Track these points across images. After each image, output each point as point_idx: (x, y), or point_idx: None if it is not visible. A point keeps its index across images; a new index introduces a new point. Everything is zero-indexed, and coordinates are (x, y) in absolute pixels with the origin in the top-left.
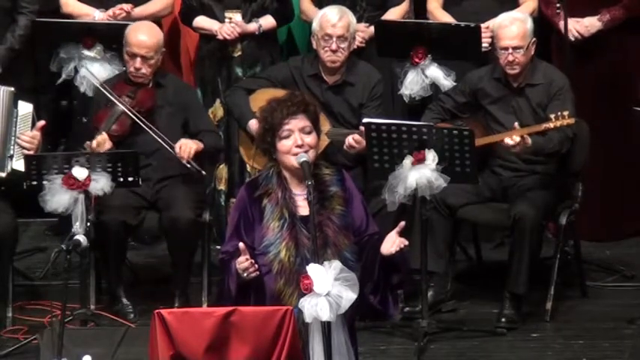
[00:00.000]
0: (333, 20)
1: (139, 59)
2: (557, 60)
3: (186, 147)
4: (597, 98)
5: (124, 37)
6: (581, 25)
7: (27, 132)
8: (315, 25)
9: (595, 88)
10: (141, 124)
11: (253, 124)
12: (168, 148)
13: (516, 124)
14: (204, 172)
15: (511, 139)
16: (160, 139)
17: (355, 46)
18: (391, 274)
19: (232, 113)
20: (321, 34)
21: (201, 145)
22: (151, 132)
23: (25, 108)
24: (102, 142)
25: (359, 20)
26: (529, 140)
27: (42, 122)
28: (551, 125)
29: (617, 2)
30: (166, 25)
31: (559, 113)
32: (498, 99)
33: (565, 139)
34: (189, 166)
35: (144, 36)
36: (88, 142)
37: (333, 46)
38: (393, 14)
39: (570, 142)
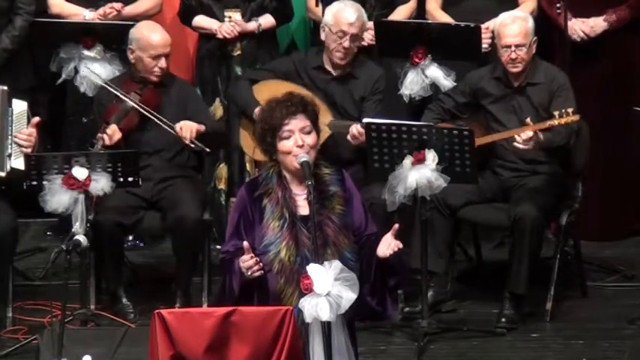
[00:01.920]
0: (350, 19)
1: (163, 59)
2: (558, 60)
3: (187, 127)
4: (598, 98)
5: (142, 41)
6: (587, 26)
7: (23, 130)
8: (329, 19)
9: (596, 88)
10: (143, 111)
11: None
12: (170, 130)
13: (529, 119)
14: (208, 150)
15: (524, 134)
16: (163, 124)
17: (366, 44)
18: (388, 276)
19: (237, 103)
20: (336, 30)
21: (202, 127)
22: (154, 118)
23: (19, 106)
24: (113, 133)
25: (368, 18)
26: (541, 135)
27: (37, 119)
28: (556, 122)
29: (622, 3)
30: (165, 25)
31: (563, 110)
32: (499, 98)
33: (571, 132)
34: (192, 145)
35: (162, 34)
36: (100, 135)
37: (346, 44)
38: (401, 12)
39: (575, 136)
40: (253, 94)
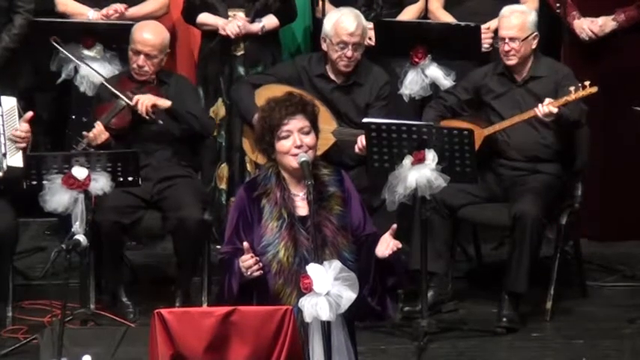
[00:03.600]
0: (350, 29)
1: (142, 57)
2: (565, 57)
3: (144, 100)
4: (599, 98)
5: (130, 34)
6: (595, 25)
7: (16, 126)
8: (329, 30)
9: (599, 87)
10: (111, 88)
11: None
12: (127, 101)
13: (548, 99)
14: (161, 122)
15: (547, 107)
16: (120, 94)
17: (373, 43)
18: (387, 276)
19: (238, 107)
20: (337, 41)
21: (166, 103)
22: (112, 89)
23: (8, 103)
24: (98, 133)
25: (376, 18)
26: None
27: (30, 113)
28: (573, 97)
29: (630, 2)
30: (168, 25)
31: (579, 84)
32: (502, 93)
33: (582, 111)
34: (147, 117)
35: (149, 34)
36: (85, 133)
37: (349, 54)
38: (410, 12)
39: (585, 117)
40: (254, 99)
